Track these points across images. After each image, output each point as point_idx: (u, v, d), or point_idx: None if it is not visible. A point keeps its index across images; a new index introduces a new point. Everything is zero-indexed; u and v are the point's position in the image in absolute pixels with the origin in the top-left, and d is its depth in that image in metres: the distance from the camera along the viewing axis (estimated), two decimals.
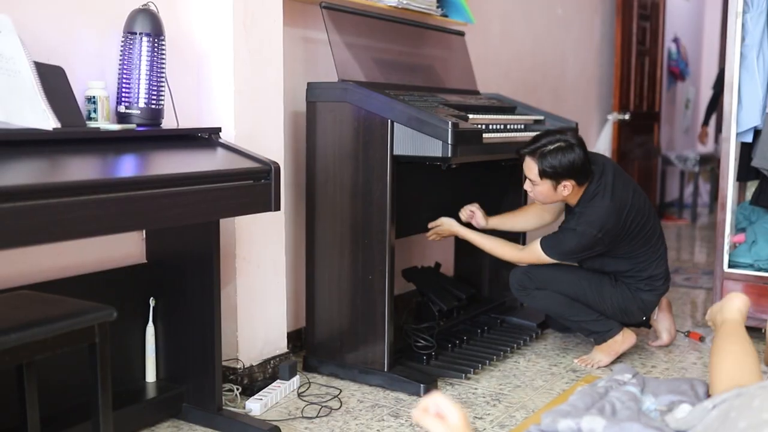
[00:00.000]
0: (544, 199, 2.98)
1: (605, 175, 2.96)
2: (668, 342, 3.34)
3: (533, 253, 3.03)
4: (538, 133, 2.96)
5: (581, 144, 2.91)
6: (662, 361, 3.20)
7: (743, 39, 3.42)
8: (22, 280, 2.18)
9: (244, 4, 2.64)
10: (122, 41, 2.31)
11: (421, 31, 3.47)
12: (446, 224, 3.17)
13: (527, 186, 2.97)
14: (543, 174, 2.87)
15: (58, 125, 1.94)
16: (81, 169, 1.98)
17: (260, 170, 2.24)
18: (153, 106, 2.32)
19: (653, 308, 3.25)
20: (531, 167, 2.89)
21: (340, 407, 2.65)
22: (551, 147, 2.84)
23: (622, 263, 3.07)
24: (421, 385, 2.74)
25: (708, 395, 1.62)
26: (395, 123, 2.70)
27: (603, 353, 3.10)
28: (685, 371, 3.08)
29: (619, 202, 2.93)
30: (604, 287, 3.07)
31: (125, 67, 2.30)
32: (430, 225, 3.19)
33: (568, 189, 2.89)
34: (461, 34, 3.68)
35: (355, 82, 2.83)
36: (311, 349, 2.99)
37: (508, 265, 3.69)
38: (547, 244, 2.99)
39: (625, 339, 3.10)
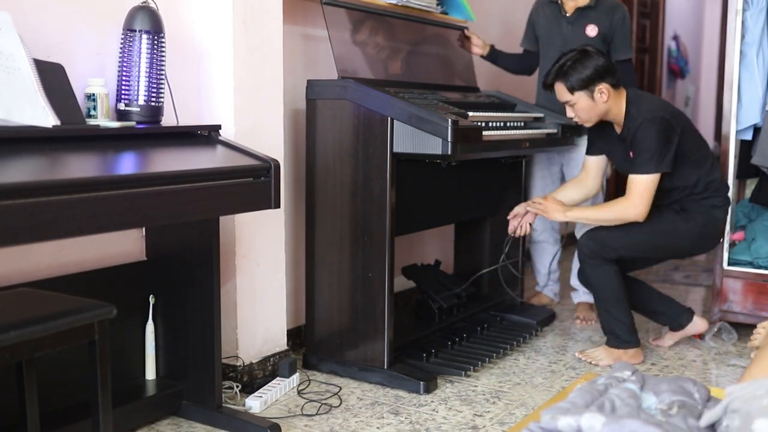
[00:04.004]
0: (588, 115, 2.95)
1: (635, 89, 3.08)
2: (669, 344, 3.33)
3: (637, 186, 2.90)
4: (555, 61, 3.02)
5: (598, 51, 2.95)
6: (662, 358, 3.20)
7: (743, 37, 3.41)
8: (22, 278, 2.18)
9: (243, 2, 2.64)
10: (122, 38, 2.31)
11: (422, 27, 3.47)
12: (551, 210, 3.06)
13: (569, 113, 2.99)
14: (573, 88, 2.89)
15: (58, 122, 1.94)
16: (80, 166, 1.98)
17: (260, 168, 2.24)
18: (153, 104, 2.32)
19: (725, 226, 3.18)
20: (561, 90, 2.93)
21: (340, 405, 2.65)
22: (569, 62, 2.90)
23: (691, 173, 2.98)
24: (421, 382, 2.74)
25: (709, 398, 1.62)
26: (395, 120, 2.70)
27: (607, 355, 3.10)
28: (684, 369, 3.09)
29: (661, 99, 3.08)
30: (678, 226, 3.01)
31: (125, 64, 2.30)
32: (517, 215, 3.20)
33: (605, 94, 2.89)
34: (464, 28, 3.67)
35: (355, 79, 2.83)
36: (311, 346, 2.99)
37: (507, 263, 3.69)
38: (640, 166, 2.88)
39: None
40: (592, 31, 3.50)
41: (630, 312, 3.10)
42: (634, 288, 3.21)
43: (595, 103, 2.90)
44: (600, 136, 3.14)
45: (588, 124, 3.02)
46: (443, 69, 3.58)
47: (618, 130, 3.03)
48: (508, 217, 3.21)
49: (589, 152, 3.24)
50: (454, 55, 3.65)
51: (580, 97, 2.90)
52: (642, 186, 2.90)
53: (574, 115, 2.97)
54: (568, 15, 3.53)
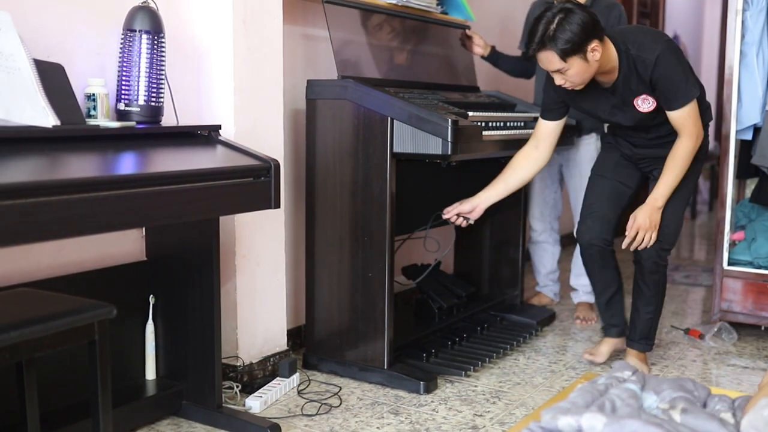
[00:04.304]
0: (582, 78, 2.63)
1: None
2: (604, 359, 3.11)
3: (687, 120, 2.71)
4: (529, 27, 2.69)
5: (576, 4, 2.61)
6: (662, 358, 3.20)
7: (743, 36, 3.41)
8: (22, 278, 2.18)
9: (243, 2, 2.64)
10: (122, 38, 2.31)
11: (424, 27, 3.46)
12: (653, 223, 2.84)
13: (559, 80, 2.65)
14: (565, 54, 2.55)
15: (58, 122, 1.94)
16: (80, 166, 1.97)
17: (260, 168, 2.24)
18: (153, 104, 2.32)
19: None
20: (550, 58, 2.58)
21: (340, 405, 2.65)
22: (554, 26, 2.54)
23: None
24: (421, 382, 2.74)
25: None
26: (395, 120, 2.70)
27: (642, 362, 3.03)
28: (684, 368, 3.09)
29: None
30: (692, 170, 2.84)
31: (125, 64, 2.30)
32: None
33: (597, 51, 2.58)
34: (467, 27, 3.67)
35: (355, 79, 2.83)
36: (311, 346, 2.99)
37: (507, 263, 3.70)
38: (681, 97, 2.67)
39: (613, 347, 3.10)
40: None
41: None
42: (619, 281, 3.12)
43: (589, 64, 2.59)
44: (566, 96, 2.83)
45: (579, 87, 2.71)
46: (444, 68, 3.58)
47: (607, 80, 2.73)
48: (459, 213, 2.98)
49: (547, 117, 2.91)
50: (455, 55, 3.65)
51: (574, 62, 2.57)
52: (693, 115, 2.71)
53: (564, 82, 2.65)
54: None
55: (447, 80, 3.52)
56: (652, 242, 2.82)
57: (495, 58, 3.71)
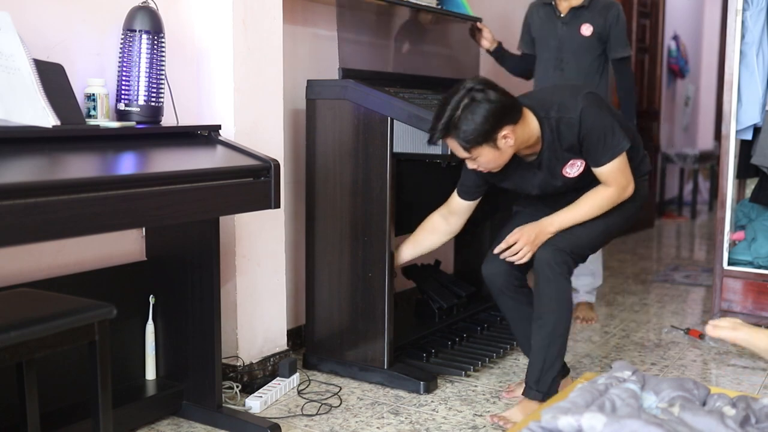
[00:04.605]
0: (496, 163, 2.41)
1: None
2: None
3: (614, 173, 2.45)
4: (437, 107, 2.39)
5: (486, 85, 2.34)
6: (662, 358, 3.20)
7: (743, 36, 3.42)
8: (22, 278, 2.18)
9: (243, 2, 2.64)
10: (122, 38, 2.31)
11: (431, 19, 3.44)
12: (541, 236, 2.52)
13: (471, 165, 2.43)
14: (471, 144, 2.31)
15: (58, 123, 1.94)
16: (80, 166, 1.98)
17: (260, 168, 2.24)
18: (152, 104, 2.32)
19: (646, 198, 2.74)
20: (455, 147, 2.35)
21: (340, 405, 2.65)
22: (458, 113, 2.28)
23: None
24: (421, 382, 2.74)
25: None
26: (395, 120, 2.70)
27: (525, 412, 2.49)
28: (684, 368, 3.09)
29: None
30: (625, 203, 2.54)
31: (125, 64, 2.30)
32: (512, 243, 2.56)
33: (509, 137, 2.33)
34: (478, 19, 3.66)
35: (355, 79, 2.83)
36: (311, 346, 2.99)
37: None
38: (607, 152, 2.42)
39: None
40: (586, 30, 3.51)
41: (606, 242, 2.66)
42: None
43: (501, 151, 2.34)
44: (489, 177, 2.55)
45: (496, 170, 2.46)
46: (448, 63, 3.56)
47: (530, 153, 2.48)
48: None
49: (463, 196, 2.66)
50: (459, 50, 3.63)
51: (483, 151, 2.32)
52: (622, 168, 2.46)
53: (477, 166, 2.41)
54: (562, 16, 3.54)
55: (450, 75, 3.50)
56: (523, 260, 2.51)
57: (500, 54, 3.70)
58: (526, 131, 2.41)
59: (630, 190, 2.52)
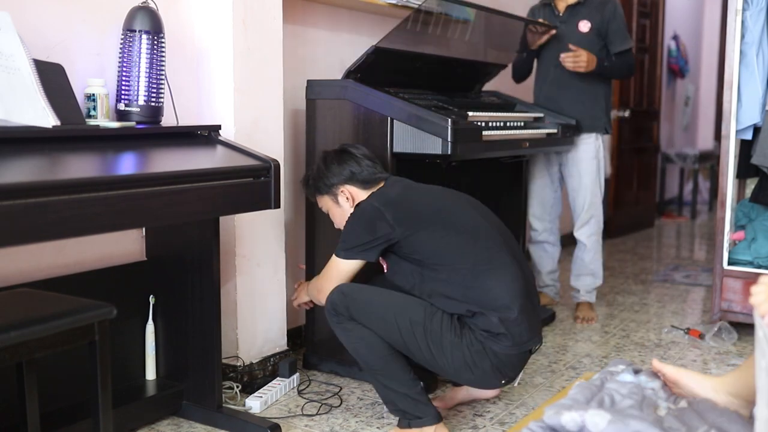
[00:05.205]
0: (341, 218, 2.48)
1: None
2: (455, 403, 2.65)
3: (329, 265, 2.42)
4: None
5: (332, 154, 2.49)
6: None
7: (743, 36, 3.41)
8: (22, 278, 2.18)
9: (243, 2, 2.64)
10: (122, 39, 2.31)
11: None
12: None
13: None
14: (318, 192, 2.52)
15: (58, 123, 1.94)
16: (80, 166, 1.98)
17: (260, 168, 2.24)
18: (152, 104, 2.32)
19: (514, 368, 2.29)
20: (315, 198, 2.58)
21: (340, 405, 2.65)
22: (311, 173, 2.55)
23: (450, 281, 2.23)
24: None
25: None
26: (395, 120, 2.70)
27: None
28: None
29: (405, 184, 2.48)
30: (444, 334, 2.21)
31: (125, 64, 2.30)
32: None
33: (346, 194, 2.45)
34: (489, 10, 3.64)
35: (356, 79, 2.83)
36: (311, 346, 2.99)
37: None
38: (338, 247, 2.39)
39: None
40: (584, 26, 3.53)
41: (411, 378, 2.30)
42: None
43: (341, 206, 2.48)
44: None
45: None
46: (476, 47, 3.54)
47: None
48: None
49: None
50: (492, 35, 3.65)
51: (325, 202, 2.51)
52: (330, 265, 2.43)
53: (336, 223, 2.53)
54: (560, 14, 3.57)
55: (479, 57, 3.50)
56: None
57: (528, 56, 3.72)
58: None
59: (323, 283, 2.41)
